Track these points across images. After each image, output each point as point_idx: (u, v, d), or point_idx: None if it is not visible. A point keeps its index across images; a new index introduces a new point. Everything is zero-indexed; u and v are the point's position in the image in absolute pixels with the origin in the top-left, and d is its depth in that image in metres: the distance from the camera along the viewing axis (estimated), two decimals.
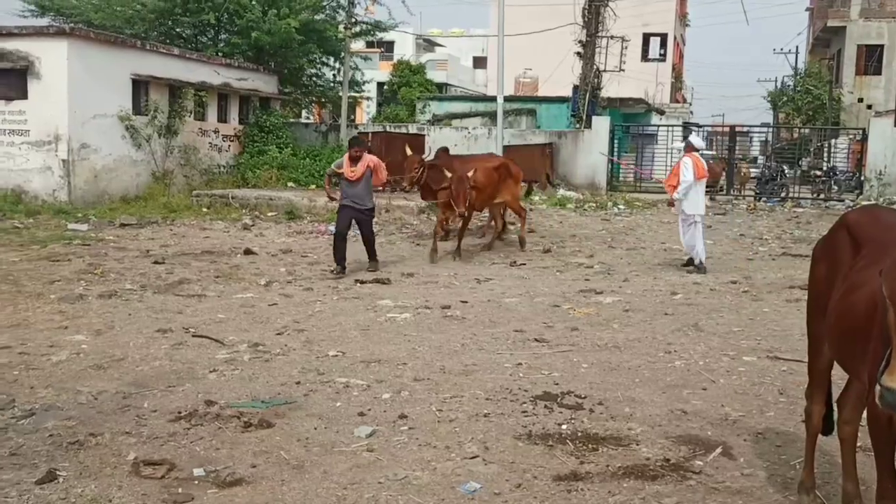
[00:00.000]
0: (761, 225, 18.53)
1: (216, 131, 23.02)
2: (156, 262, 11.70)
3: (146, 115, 19.97)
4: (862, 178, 23.54)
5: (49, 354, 6.78)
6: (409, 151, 13.27)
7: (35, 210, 16.93)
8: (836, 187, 24.52)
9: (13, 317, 8.13)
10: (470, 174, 12.22)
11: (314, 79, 29.07)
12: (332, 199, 12.08)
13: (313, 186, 21.68)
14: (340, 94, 27.38)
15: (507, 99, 26.05)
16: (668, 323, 8.43)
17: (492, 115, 25.00)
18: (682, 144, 24.94)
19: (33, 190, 17.95)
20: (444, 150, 14.26)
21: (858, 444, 4.42)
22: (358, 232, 11.64)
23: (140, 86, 20.09)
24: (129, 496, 4.19)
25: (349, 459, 4.75)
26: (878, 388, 2.70)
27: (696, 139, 12.78)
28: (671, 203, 12.90)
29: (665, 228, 17.64)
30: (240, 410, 5.49)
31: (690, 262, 12.07)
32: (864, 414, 4.10)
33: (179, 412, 5.46)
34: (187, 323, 8.07)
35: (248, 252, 12.92)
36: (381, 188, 13.22)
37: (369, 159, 11.29)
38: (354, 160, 11.18)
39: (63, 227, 15.30)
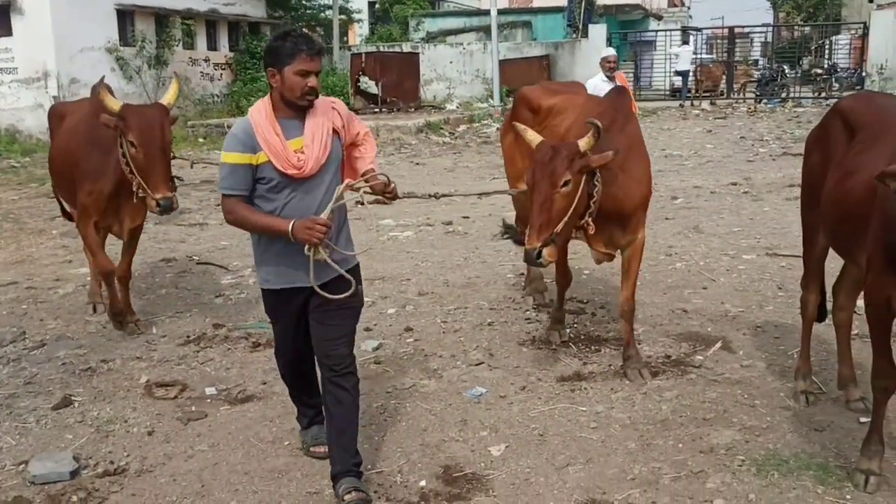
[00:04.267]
0: (762, 126, 18.36)
1: (206, 60, 22.66)
2: None
3: (134, 46, 19.65)
4: (863, 73, 23.18)
5: (56, 288, 6.86)
6: None
7: (30, 149, 16.82)
8: (836, 85, 24.15)
9: (17, 253, 8.19)
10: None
11: (303, 1, 28.43)
12: None
13: None
14: (331, 16, 26.82)
15: (501, 12, 25.50)
16: (669, 227, 8.46)
17: (486, 30, 24.45)
18: (680, 49, 24.61)
19: (27, 129, 17.83)
20: None
21: (854, 331, 4.51)
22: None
23: (125, 16, 19.72)
24: (144, 416, 4.31)
25: (357, 372, 4.84)
26: None
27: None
28: None
29: (665, 135, 17.50)
30: (248, 332, 5.58)
31: None
32: (860, 300, 4.17)
33: (188, 336, 5.56)
34: (191, 251, 8.13)
35: None
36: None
37: (335, 106, 3.48)
38: (300, 110, 3.33)
39: None
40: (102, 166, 5.22)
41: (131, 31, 19.88)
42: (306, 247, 3.24)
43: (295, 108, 3.30)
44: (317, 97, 3.31)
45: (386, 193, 3.47)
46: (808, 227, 4.12)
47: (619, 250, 4.67)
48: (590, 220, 4.22)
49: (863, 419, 3.85)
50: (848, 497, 3.31)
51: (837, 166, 3.69)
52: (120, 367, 5.01)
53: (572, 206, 3.98)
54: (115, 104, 4.84)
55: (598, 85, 9.24)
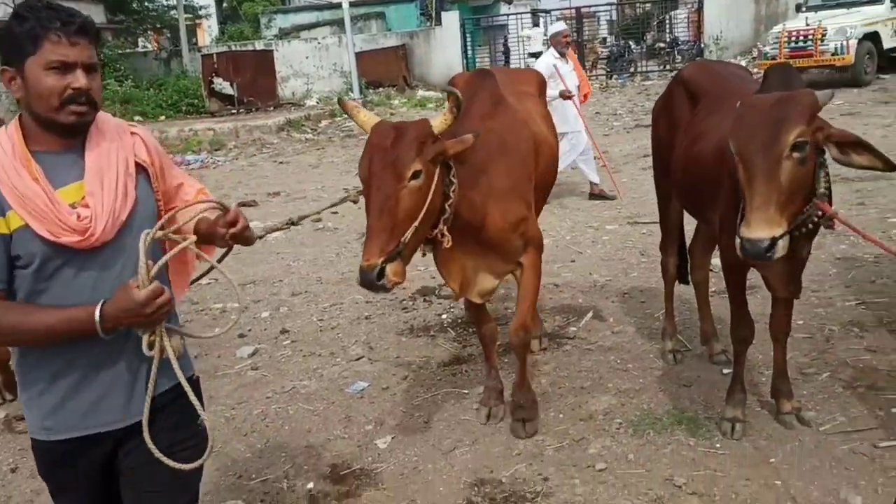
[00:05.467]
0: (614, 101, 19.06)
1: None
2: None
3: None
4: (702, 45, 24.45)
5: None
6: None
7: None
8: (679, 57, 25.36)
9: None
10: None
11: (145, 4, 27.28)
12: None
13: (163, 118, 20.67)
14: (177, 17, 25.86)
15: (354, 4, 25.25)
16: None
17: (340, 23, 24.23)
18: (532, 31, 25.18)
19: None
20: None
21: (712, 288, 4.75)
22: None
23: None
24: (6, 453, 4.04)
25: (234, 381, 4.72)
26: (737, 239, 2.79)
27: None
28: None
29: None
30: None
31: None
32: (715, 258, 4.39)
33: None
34: None
35: None
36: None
37: (135, 131, 2.12)
38: (68, 134, 1.97)
39: None
40: None
41: None
42: (144, 342, 1.96)
43: (59, 132, 1.95)
44: (94, 107, 1.96)
45: (231, 230, 2.16)
46: (662, 193, 4.31)
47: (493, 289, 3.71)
48: (444, 228, 3.15)
49: (726, 371, 4.06)
50: (718, 445, 3.49)
51: (685, 132, 3.86)
52: None
53: (424, 205, 2.93)
54: None
55: (551, 63, 8.18)
